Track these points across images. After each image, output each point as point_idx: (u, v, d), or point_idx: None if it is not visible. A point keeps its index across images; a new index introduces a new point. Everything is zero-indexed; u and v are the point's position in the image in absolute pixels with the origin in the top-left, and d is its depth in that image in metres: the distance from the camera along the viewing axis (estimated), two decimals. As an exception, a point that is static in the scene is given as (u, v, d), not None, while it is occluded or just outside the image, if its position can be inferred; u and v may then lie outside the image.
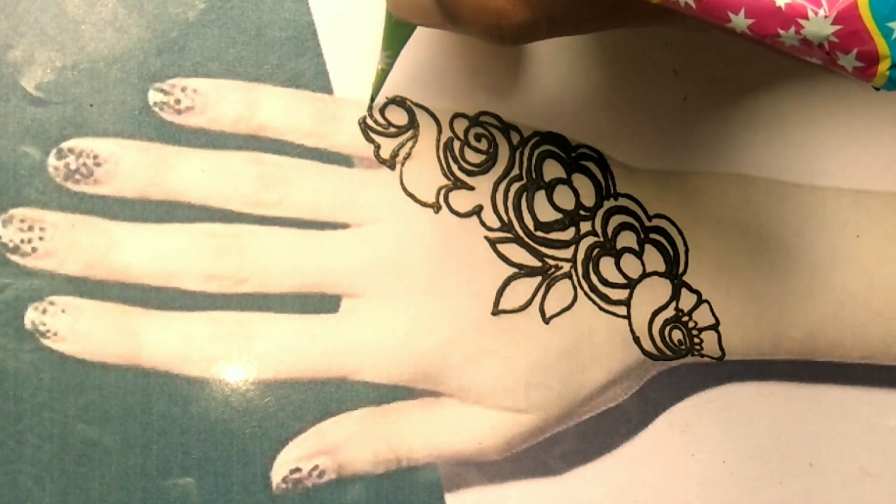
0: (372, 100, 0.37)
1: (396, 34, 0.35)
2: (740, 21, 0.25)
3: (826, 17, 0.24)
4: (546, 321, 0.39)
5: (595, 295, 0.39)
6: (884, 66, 0.25)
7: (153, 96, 0.37)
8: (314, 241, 0.38)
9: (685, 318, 0.40)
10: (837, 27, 0.24)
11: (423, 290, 0.38)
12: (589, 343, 0.39)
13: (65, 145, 0.36)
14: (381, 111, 0.38)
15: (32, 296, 0.36)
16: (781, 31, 0.25)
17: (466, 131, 0.38)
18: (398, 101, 0.38)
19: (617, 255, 0.39)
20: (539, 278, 0.39)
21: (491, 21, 0.30)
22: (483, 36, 0.31)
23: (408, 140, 0.38)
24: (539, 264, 0.39)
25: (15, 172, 0.36)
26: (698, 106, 0.40)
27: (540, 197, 0.39)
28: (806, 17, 0.24)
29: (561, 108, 0.39)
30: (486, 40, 0.32)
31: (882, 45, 0.24)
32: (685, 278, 0.40)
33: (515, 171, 0.39)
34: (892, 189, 0.41)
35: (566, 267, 0.39)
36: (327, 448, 0.37)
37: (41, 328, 0.36)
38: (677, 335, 0.40)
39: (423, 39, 0.38)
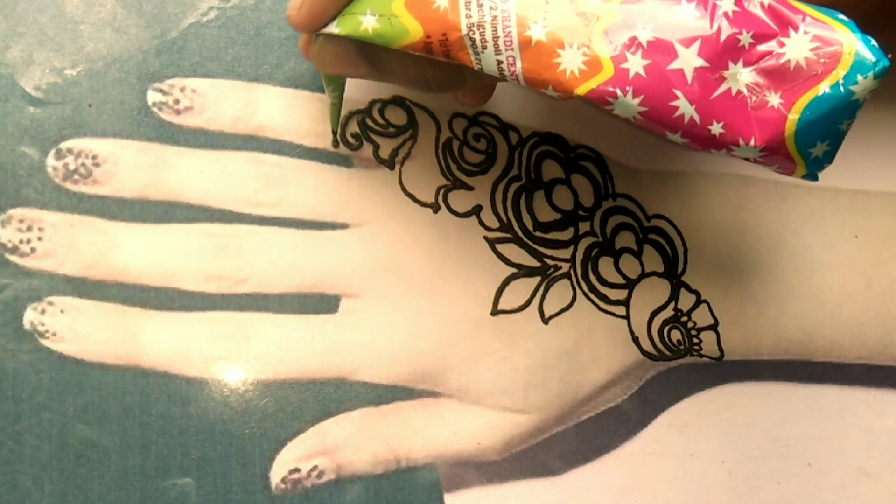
0: (335, 133, 0.37)
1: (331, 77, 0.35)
2: (676, 138, 0.29)
3: (755, 146, 0.28)
4: (545, 321, 0.39)
5: (594, 295, 0.39)
6: (798, 174, 0.29)
7: (152, 96, 0.37)
8: (313, 242, 0.38)
9: (684, 319, 0.40)
10: (764, 153, 0.28)
11: (422, 290, 0.38)
12: (588, 343, 0.39)
13: (63, 145, 0.36)
14: (381, 111, 0.38)
15: (31, 296, 0.36)
16: (713, 150, 0.29)
17: (465, 131, 0.38)
18: (397, 101, 0.38)
19: (616, 256, 0.39)
20: (538, 278, 0.39)
21: (417, 74, 0.31)
22: (410, 86, 0.32)
23: (407, 140, 0.38)
24: (538, 264, 0.39)
25: (14, 173, 0.36)
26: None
27: (539, 197, 0.39)
28: (737, 145, 0.28)
29: (559, 108, 0.39)
30: (411, 88, 0.33)
31: (801, 165, 0.29)
32: (684, 278, 0.40)
33: (514, 171, 0.39)
34: (889, 189, 0.41)
35: (565, 267, 0.39)
36: (326, 448, 0.37)
37: (40, 328, 0.36)
38: (676, 335, 0.40)
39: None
